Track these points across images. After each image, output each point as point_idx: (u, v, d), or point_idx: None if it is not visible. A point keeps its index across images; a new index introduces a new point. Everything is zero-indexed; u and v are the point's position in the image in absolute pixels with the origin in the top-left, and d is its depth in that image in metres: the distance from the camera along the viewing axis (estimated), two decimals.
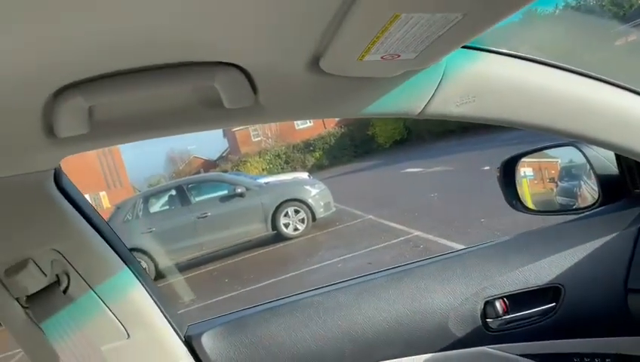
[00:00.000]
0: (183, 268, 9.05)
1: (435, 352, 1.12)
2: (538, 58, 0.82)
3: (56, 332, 0.91)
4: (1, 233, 0.89)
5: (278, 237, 9.68)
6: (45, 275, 0.92)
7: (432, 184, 10.94)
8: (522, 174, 1.46)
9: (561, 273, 1.11)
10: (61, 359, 0.92)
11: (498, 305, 1.13)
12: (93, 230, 0.98)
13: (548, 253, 1.13)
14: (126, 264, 1.02)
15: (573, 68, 0.83)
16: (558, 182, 1.58)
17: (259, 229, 9.81)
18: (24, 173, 0.84)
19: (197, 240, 9.60)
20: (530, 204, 1.41)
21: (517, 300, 1.13)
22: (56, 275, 0.95)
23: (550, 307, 1.12)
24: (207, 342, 1.12)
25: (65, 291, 0.96)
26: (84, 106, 0.62)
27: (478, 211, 7.21)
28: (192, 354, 1.10)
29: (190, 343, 1.11)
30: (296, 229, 9.73)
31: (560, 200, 1.59)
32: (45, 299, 0.92)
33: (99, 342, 0.94)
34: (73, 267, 0.95)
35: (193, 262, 9.43)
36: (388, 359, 1.12)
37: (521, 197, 1.38)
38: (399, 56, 0.63)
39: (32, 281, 0.90)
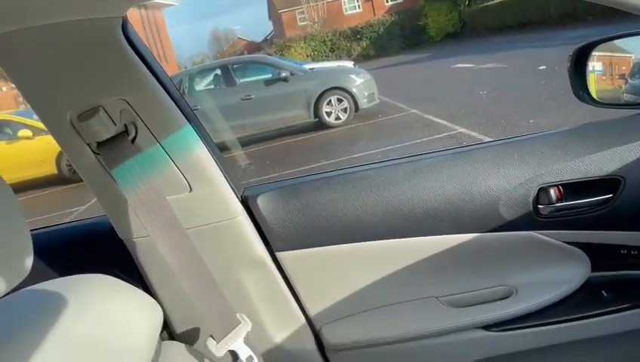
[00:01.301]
0: (225, 147, 9.29)
1: (483, 232, 1.14)
2: None
3: (125, 179, 0.95)
4: (73, 78, 0.92)
5: (320, 125, 9.69)
6: (115, 124, 0.95)
7: (482, 81, 10.50)
8: (591, 69, 1.38)
9: (623, 165, 1.07)
10: (130, 204, 0.97)
11: (552, 192, 1.11)
12: (158, 84, 0.99)
13: (611, 145, 1.09)
14: (189, 121, 1.05)
15: None
16: (628, 79, 1.49)
17: (301, 116, 9.81)
18: (93, 17, 0.84)
19: (240, 121, 9.68)
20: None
21: (573, 189, 1.11)
22: (125, 125, 0.98)
23: (606, 198, 1.10)
24: (262, 202, 1.16)
25: (133, 141, 0.99)
26: None
27: (528, 111, 6.97)
28: (247, 213, 1.16)
29: (246, 202, 1.16)
30: (338, 118, 9.69)
31: (627, 97, 1.50)
32: (114, 147, 0.95)
33: (164, 192, 0.99)
34: (140, 118, 0.98)
35: (235, 143, 9.64)
36: (435, 235, 1.15)
37: (589, 88, 1.32)
38: None
39: (103, 128, 0.94)
